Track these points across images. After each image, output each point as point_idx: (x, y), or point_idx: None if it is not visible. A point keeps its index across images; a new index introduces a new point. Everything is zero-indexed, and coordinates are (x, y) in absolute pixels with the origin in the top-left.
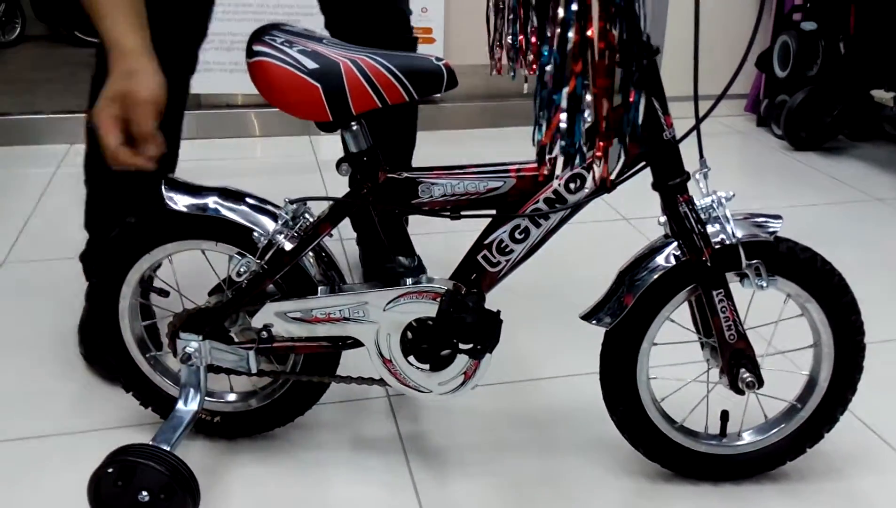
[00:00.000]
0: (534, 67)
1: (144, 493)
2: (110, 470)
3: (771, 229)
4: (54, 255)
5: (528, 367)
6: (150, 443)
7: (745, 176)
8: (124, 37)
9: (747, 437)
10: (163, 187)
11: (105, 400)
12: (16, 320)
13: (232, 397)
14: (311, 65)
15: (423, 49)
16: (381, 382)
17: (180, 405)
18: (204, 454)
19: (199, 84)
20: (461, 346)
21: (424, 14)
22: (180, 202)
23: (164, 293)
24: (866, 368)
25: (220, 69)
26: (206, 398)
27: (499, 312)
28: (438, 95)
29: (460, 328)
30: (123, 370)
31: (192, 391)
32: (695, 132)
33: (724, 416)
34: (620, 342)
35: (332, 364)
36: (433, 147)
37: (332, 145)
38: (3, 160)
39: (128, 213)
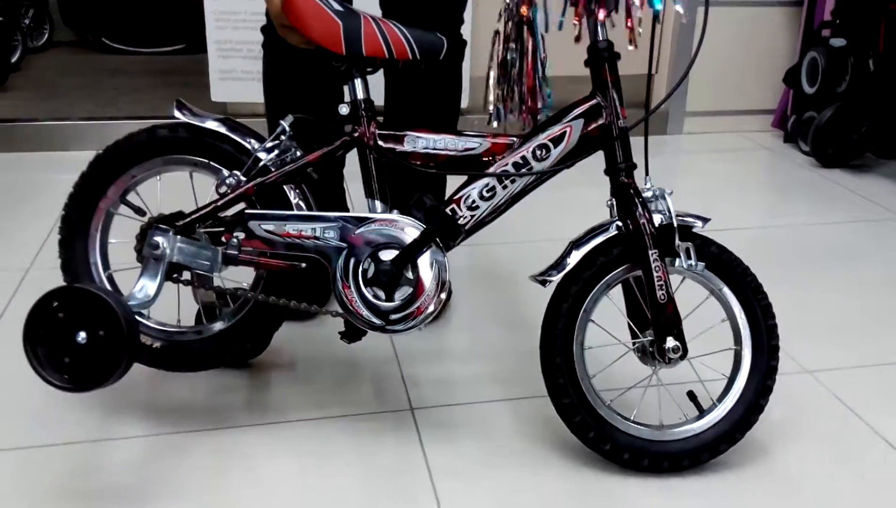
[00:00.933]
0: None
1: (83, 332)
2: (55, 302)
3: (699, 225)
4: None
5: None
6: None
7: (771, 192)
8: None
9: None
10: (175, 107)
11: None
12: None
13: (176, 328)
14: (337, 7)
15: None
16: (335, 312)
17: (133, 290)
18: (209, 456)
19: (226, 93)
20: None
21: None
22: (187, 118)
23: (140, 212)
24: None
25: (248, 78)
26: (152, 323)
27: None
28: (464, 106)
29: (421, 208)
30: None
31: (148, 283)
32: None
33: (692, 395)
34: (565, 306)
35: (290, 291)
36: None
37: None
38: (29, 166)
39: None
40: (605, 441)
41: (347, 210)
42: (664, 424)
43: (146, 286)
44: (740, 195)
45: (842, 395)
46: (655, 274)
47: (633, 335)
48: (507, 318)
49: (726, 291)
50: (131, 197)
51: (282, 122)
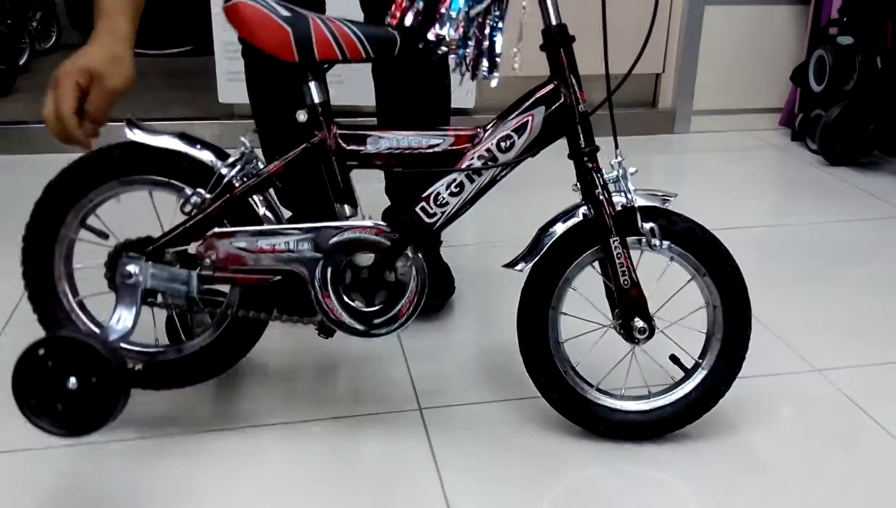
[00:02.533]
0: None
1: (73, 378)
2: (41, 351)
3: (666, 202)
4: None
5: None
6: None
7: (779, 190)
8: (122, 21)
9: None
10: (125, 127)
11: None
12: None
13: (157, 349)
14: (284, 13)
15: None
16: (318, 322)
17: (112, 323)
18: (219, 461)
19: (234, 94)
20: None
21: None
22: (140, 137)
23: (102, 235)
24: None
25: None
26: (132, 346)
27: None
28: (471, 106)
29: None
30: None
31: (125, 312)
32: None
33: (674, 358)
34: (535, 294)
35: (268, 304)
36: None
37: None
38: (38, 168)
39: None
40: (598, 423)
41: (354, 194)
42: (652, 393)
43: (124, 317)
44: (748, 194)
45: (852, 394)
46: (618, 261)
47: (612, 312)
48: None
49: (697, 266)
50: (91, 221)
51: (242, 138)
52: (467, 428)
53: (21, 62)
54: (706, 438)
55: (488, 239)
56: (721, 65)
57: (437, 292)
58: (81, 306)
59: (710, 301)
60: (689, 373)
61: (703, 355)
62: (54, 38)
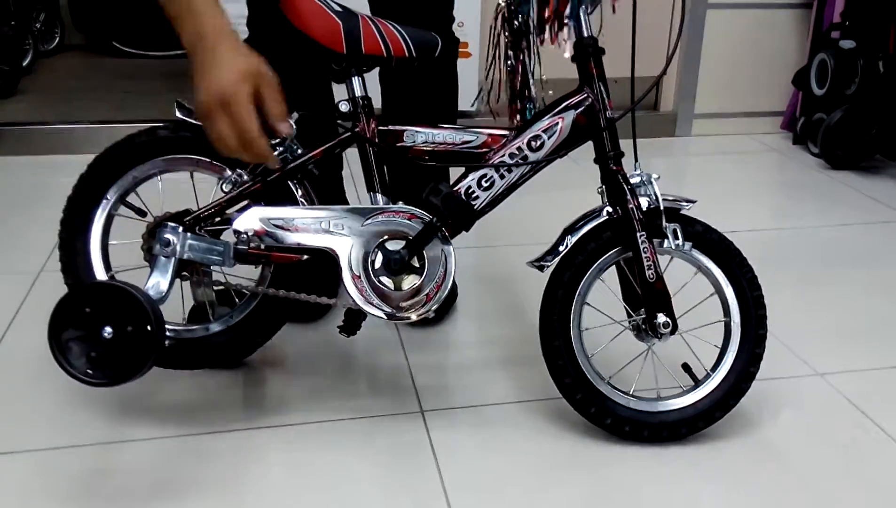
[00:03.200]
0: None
1: (109, 328)
2: (81, 298)
3: (686, 207)
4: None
5: None
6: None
7: (781, 194)
8: (223, 23)
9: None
10: (175, 107)
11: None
12: None
13: (184, 326)
14: (336, 8)
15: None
16: (344, 303)
17: (146, 288)
18: (219, 462)
19: None
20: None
21: (461, 28)
22: (188, 117)
23: (141, 213)
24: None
25: None
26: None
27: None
28: (474, 108)
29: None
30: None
31: (160, 281)
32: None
33: (686, 367)
34: (560, 289)
35: (298, 284)
36: None
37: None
38: (41, 169)
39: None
40: (606, 416)
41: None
42: (661, 396)
43: (158, 283)
44: (749, 197)
45: (853, 398)
46: (644, 254)
47: (629, 315)
48: (517, 320)
49: (713, 266)
50: (131, 198)
51: (285, 138)
52: (469, 430)
53: (24, 63)
54: (705, 442)
55: (488, 242)
56: (723, 68)
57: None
58: (113, 280)
59: (726, 309)
60: (698, 384)
61: (714, 367)
62: (58, 39)
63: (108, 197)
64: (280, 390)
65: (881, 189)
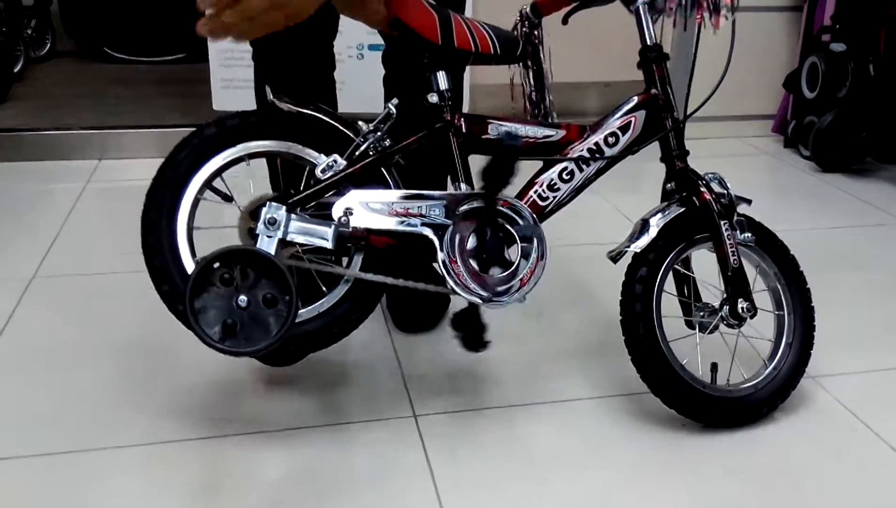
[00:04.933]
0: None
1: (244, 297)
2: (217, 264)
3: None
4: (84, 270)
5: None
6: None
7: (772, 197)
8: None
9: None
10: (267, 90)
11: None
12: (46, 334)
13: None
14: (433, 4)
15: None
16: (442, 285)
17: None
18: (210, 468)
19: (228, 101)
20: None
21: None
22: (284, 104)
23: (227, 198)
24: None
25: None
26: None
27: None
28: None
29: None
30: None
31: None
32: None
33: (714, 367)
34: (643, 275)
35: (393, 268)
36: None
37: None
38: (32, 175)
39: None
40: (698, 404)
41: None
42: (731, 383)
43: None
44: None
45: (846, 401)
46: (728, 242)
47: (685, 313)
48: (508, 326)
49: (770, 262)
50: (217, 183)
51: (389, 105)
52: (462, 434)
53: (16, 70)
54: (697, 445)
55: None
56: (714, 72)
57: (433, 305)
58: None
59: (779, 303)
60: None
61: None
62: (49, 45)
63: (194, 181)
64: (269, 396)
65: (872, 192)
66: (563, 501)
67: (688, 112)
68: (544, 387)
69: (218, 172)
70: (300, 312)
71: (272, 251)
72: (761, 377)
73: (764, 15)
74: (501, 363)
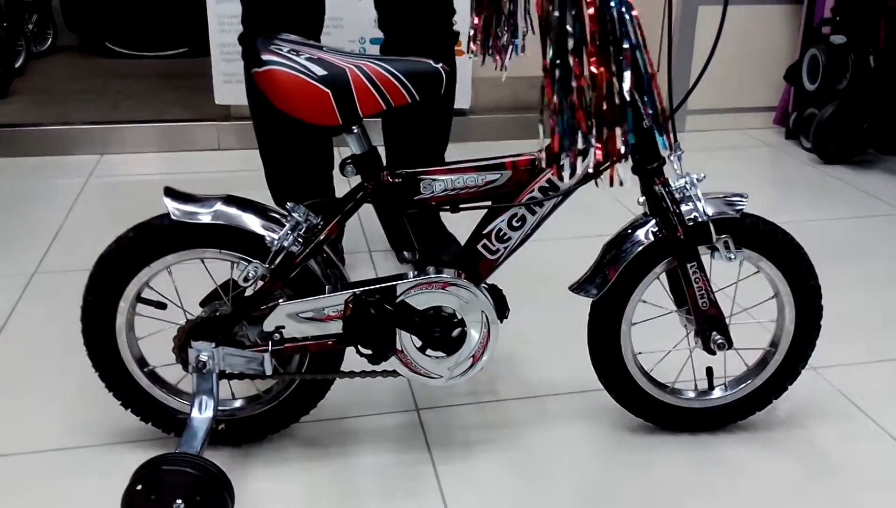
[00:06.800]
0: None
1: (179, 501)
2: (139, 487)
3: (738, 207)
4: (85, 265)
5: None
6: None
7: (773, 189)
8: None
9: (719, 392)
10: (164, 198)
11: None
12: (46, 329)
13: (237, 403)
14: (320, 72)
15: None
16: (393, 373)
17: (195, 413)
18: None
19: (230, 95)
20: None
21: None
22: (184, 212)
23: (160, 306)
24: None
25: None
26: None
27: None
28: (467, 107)
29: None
30: (121, 387)
31: (205, 398)
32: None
33: (710, 372)
34: (605, 311)
35: (337, 362)
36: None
37: None
38: (34, 171)
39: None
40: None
41: (411, 239)
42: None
43: (207, 404)
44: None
45: (847, 391)
46: (696, 285)
47: (678, 306)
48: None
49: (768, 264)
50: (146, 293)
51: (294, 214)
52: (465, 429)
53: (17, 65)
54: (698, 438)
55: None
56: (715, 64)
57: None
58: (152, 375)
59: (781, 310)
60: (712, 388)
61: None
62: (50, 40)
63: (123, 301)
64: None
65: (873, 183)
66: (566, 493)
67: (674, 106)
68: (547, 380)
69: (143, 286)
70: (260, 401)
71: (213, 388)
72: (743, 386)
73: (764, 7)
74: (504, 356)
